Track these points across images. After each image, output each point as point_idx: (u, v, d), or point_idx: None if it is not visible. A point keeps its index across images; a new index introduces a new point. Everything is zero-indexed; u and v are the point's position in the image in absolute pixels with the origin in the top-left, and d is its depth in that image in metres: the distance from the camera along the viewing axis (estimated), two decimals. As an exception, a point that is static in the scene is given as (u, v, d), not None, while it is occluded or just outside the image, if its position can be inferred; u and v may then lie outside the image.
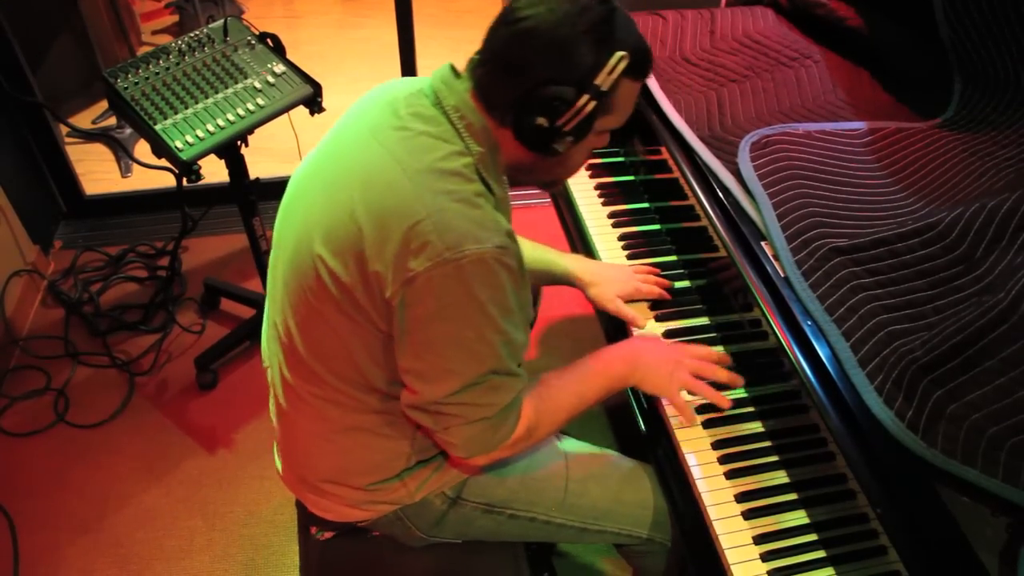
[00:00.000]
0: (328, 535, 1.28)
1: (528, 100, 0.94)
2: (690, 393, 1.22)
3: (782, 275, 1.14)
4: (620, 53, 0.94)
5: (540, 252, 1.43)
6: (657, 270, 1.45)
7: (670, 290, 1.42)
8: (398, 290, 0.94)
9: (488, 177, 0.99)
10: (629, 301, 1.40)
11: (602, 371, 1.20)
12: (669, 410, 1.24)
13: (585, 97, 0.94)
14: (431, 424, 1.05)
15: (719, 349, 1.32)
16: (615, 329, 1.42)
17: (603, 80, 0.94)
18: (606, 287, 1.39)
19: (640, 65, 0.98)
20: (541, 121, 0.95)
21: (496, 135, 1.00)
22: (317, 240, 1.00)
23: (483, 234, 0.93)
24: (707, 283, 1.42)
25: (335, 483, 1.18)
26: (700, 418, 1.22)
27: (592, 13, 0.93)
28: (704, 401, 1.23)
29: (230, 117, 1.79)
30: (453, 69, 1.03)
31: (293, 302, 1.07)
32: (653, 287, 1.40)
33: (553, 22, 0.92)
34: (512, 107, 0.96)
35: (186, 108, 1.76)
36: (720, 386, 1.22)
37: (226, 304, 2.44)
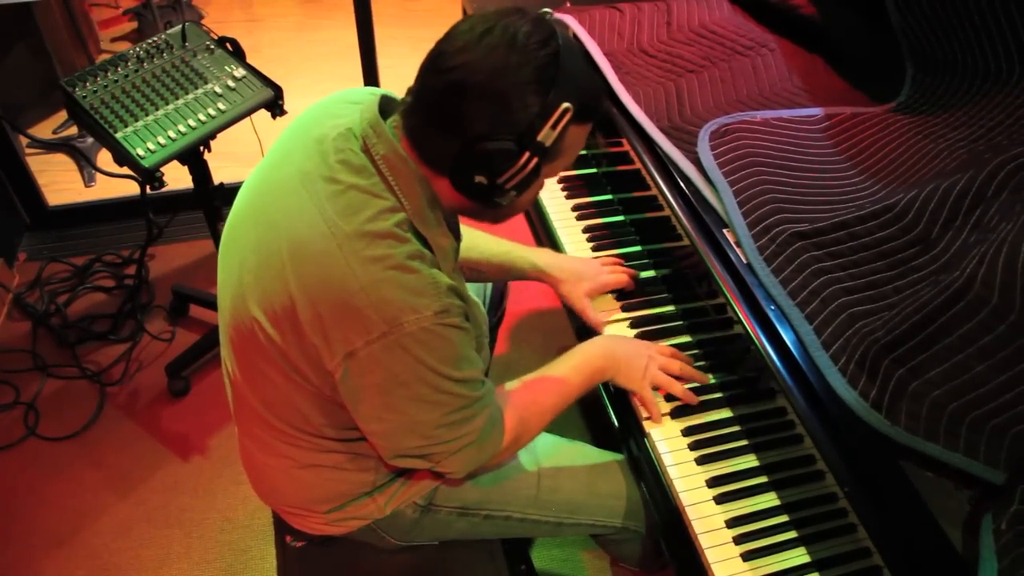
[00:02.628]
0: (303, 543, 1.26)
1: (465, 157, 0.87)
2: (657, 389, 1.23)
3: (745, 262, 1.14)
4: (565, 105, 0.85)
5: (506, 248, 1.40)
6: (622, 260, 1.44)
7: (635, 280, 1.41)
8: (339, 363, 0.90)
9: (425, 230, 0.92)
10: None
11: (581, 367, 1.19)
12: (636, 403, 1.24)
13: (527, 155, 0.86)
14: (421, 466, 1.03)
15: (686, 337, 1.33)
16: (584, 323, 1.40)
17: (546, 136, 0.86)
18: (576, 285, 1.37)
19: (588, 110, 0.90)
20: (480, 179, 0.88)
21: (433, 183, 0.93)
22: (252, 301, 0.96)
23: (421, 302, 0.87)
24: (672, 272, 1.41)
25: (302, 509, 1.17)
26: (667, 407, 1.22)
27: (533, 60, 0.83)
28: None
29: (191, 123, 1.75)
30: (384, 107, 0.96)
31: (236, 353, 1.04)
32: (621, 276, 1.39)
33: (489, 71, 0.82)
34: (448, 161, 0.89)
35: (147, 115, 1.72)
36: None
37: (195, 310, 2.40)
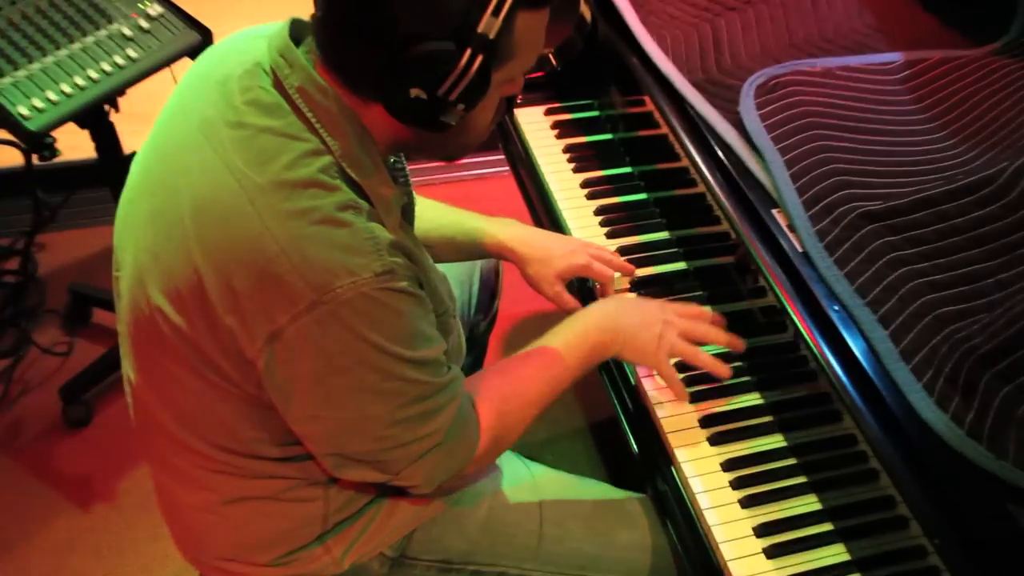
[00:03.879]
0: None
1: (393, 68, 0.87)
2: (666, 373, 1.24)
3: (800, 250, 1.15)
4: None
5: (458, 217, 1.41)
6: (616, 253, 1.44)
7: (665, 275, 1.42)
8: (262, 348, 0.90)
9: (360, 175, 0.94)
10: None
11: (576, 344, 1.20)
12: (656, 394, 1.26)
13: (468, 53, 0.86)
14: (375, 477, 1.03)
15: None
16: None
17: (488, 25, 0.86)
18: (545, 265, 1.38)
19: None
20: (417, 93, 0.88)
21: (362, 115, 0.95)
22: (152, 284, 0.96)
23: (357, 261, 0.89)
24: (707, 264, 1.42)
25: (235, 562, 1.15)
26: (691, 401, 1.24)
27: None
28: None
29: (91, 74, 1.74)
30: (294, 30, 0.97)
31: (138, 356, 1.05)
32: (605, 269, 1.39)
33: None
34: (375, 79, 0.89)
35: (30, 63, 1.70)
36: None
37: (99, 315, 2.38)
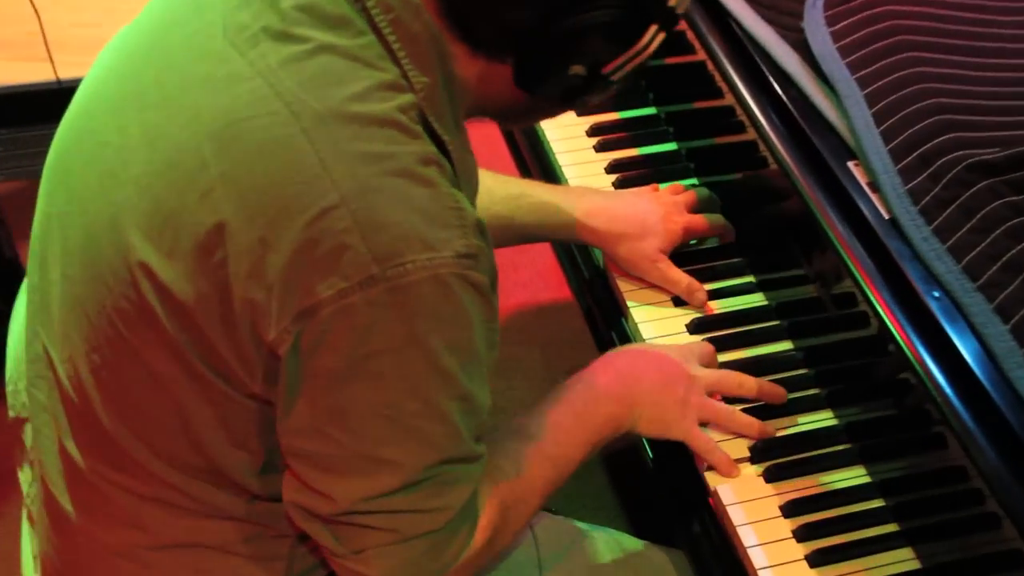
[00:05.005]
0: None
1: (550, 36, 0.91)
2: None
3: (886, 217, 1.14)
4: None
5: (528, 191, 1.44)
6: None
7: (702, 251, 1.45)
8: (289, 328, 0.87)
9: (443, 130, 0.95)
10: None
11: (584, 415, 1.22)
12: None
13: (652, 30, 0.93)
14: (332, 544, 1.00)
15: (786, 345, 1.34)
16: (609, 320, 1.43)
17: None
18: (643, 240, 1.40)
19: None
20: (576, 70, 0.94)
21: (462, 64, 0.97)
22: (135, 228, 0.93)
23: (436, 234, 0.88)
24: (760, 238, 1.42)
25: None
26: (746, 465, 1.24)
27: None
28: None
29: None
30: None
31: (88, 333, 1.00)
32: (715, 219, 1.45)
33: None
34: (513, 39, 0.93)
35: None
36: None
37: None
